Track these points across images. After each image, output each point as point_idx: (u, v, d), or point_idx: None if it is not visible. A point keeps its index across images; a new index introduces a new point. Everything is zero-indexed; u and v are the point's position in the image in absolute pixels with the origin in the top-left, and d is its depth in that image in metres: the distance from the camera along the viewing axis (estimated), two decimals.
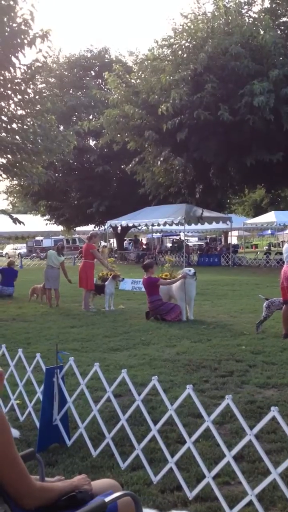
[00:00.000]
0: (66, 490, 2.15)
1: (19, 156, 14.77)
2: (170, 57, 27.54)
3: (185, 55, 26.42)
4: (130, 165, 31.01)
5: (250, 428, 3.17)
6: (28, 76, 14.22)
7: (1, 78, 13.94)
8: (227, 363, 6.86)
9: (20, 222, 16.03)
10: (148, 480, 3.64)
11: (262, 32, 24.20)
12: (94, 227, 40.04)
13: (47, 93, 16.14)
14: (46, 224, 41.29)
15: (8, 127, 14.66)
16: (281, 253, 28.42)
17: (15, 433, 4.34)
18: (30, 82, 14.54)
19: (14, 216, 16.78)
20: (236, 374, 6.31)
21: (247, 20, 26.70)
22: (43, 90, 16.03)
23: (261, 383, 5.89)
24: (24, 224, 16.59)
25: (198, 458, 3.40)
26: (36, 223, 40.07)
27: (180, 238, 42.80)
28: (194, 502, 3.34)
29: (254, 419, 4.61)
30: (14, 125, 14.87)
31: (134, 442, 3.83)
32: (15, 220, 16.00)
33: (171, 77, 25.33)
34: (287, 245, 8.94)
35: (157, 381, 3.76)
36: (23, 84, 14.36)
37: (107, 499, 2.03)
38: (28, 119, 15.16)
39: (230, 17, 25.64)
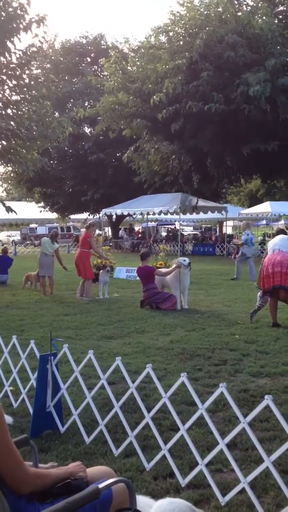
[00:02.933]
0: (61, 477, 2.15)
1: (13, 142, 14.65)
2: (166, 45, 27.28)
3: (181, 43, 26.19)
4: (126, 154, 30.81)
5: (244, 416, 3.18)
6: (23, 61, 14.07)
7: None
8: (220, 352, 6.88)
9: (12, 210, 15.90)
10: (141, 467, 3.65)
11: (259, 20, 23.99)
12: (89, 215, 39.80)
13: (42, 79, 15.97)
14: (41, 211, 41.03)
15: (3, 112, 14.52)
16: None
17: (8, 419, 4.34)
18: (26, 68, 14.39)
19: (7, 204, 16.64)
20: (229, 363, 6.34)
21: (244, 8, 26.45)
22: (38, 76, 15.85)
23: (254, 372, 5.92)
24: (16, 213, 16.46)
25: (191, 445, 3.42)
26: (30, 210, 39.81)
27: (175, 227, 42.74)
28: (186, 489, 3.36)
29: (247, 408, 4.64)
30: (9, 111, 14.72)
31: (127, 429, 3.85)
32: (8, 209, 15.88)
33: (167, 66, 25.10)
34: (282, 237, 8.95)
35: (151, 369, 3.76)
36: (18, 70, 14.21)
37: (100, 486, 2.03)
38: (23, 105, 15.00)
39: (227, 5, 25.35)
